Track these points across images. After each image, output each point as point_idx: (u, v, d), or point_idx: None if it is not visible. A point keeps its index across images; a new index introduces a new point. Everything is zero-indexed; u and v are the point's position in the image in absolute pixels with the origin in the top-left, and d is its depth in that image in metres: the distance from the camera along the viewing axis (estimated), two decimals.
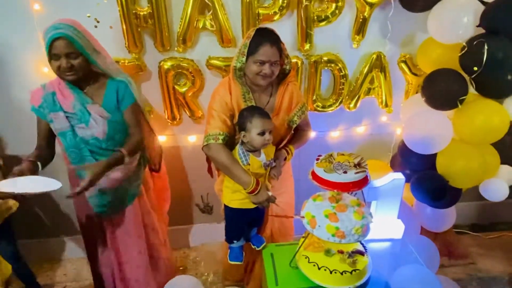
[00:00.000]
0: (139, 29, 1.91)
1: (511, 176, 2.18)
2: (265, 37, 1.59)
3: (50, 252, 2.51)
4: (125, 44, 1.93)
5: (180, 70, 2.02)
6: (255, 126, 1.59)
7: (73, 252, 2.51)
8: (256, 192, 1.60)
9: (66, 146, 1.67)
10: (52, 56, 1.52)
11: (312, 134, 2.01)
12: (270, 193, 1.63)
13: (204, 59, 2.03)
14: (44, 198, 2.34)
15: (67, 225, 2.43)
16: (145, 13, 1.86)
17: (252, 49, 1.59)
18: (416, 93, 2.23)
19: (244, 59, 1.61)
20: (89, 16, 1.89)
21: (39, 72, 1.98)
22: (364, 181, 1.51)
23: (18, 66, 1.98)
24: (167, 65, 1.99)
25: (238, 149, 1.65)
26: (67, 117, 1.62)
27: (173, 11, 1.91)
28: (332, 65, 2.10)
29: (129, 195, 1.81)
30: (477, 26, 1.79)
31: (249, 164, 1.65)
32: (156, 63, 2.01)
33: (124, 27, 1.89)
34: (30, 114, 1.97)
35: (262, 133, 1.59)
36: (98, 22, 1.90)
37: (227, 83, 1.70)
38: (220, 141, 1.64)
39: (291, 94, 1.76)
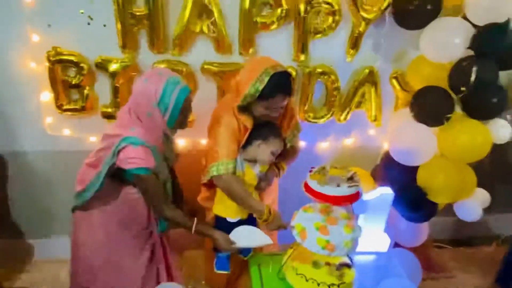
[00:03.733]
0: (134, 29, 1.88)
1: (485, 199, 2.24)
2: (281, 88, 1.55)
3: (24, 253, 2.43)
4: (119, 43, 1.91)
5: None
6: (272, 144, 1.66)
7: (48, 253, 2.43)
8: (268, 220, 1.64)
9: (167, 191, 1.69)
10: (181, 111, 1.52)
11: (301, 144, 2.04)
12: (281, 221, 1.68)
13: (198, 64, 2.01)
14: (25, 197, 2.29)
15: (43, 225, 2.38)
16: (141, 13, 1.84)
17: (264, 95, 1.55)
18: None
19: (251, 99, 1.57)
20: (82, 12, 1.86)
21: (27, 67, 1.94)
22: (356, 196, 1.53)
23: (6, 61, 1.93)
24: (160, 67, 1.97)
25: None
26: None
27: (170, 14, 1.90)
28: (326, 77, 2.12)
29: None
30: (467, 48, 1.85)
31: (243, 173, 1.66)
32: (149, 65, 1.98)
33: (119, 26, 1.86)
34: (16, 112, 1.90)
35: (273, 153, 1.67)
36: (91, 19, 1.87)
37: (231, 108, 1.66)
38: (231, 170, 1.63)
39: (291, 113, 1.80)
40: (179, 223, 1.64)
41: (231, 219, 1.73)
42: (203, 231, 1.66)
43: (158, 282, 1.78)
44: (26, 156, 2.18)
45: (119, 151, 1.49)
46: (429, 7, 1.87)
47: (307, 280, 1.55)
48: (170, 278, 1.85)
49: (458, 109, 2.01)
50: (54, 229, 2.38)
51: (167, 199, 1.67)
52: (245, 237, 1.66)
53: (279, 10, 1.91)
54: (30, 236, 2.42)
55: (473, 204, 2.23)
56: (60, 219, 2.22)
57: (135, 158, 1.47)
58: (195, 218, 1.64)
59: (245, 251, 1.78)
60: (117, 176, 1.58)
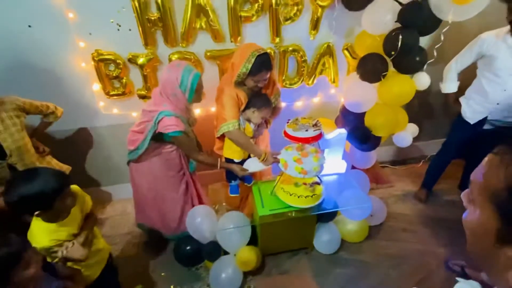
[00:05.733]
0: (152, 30, 1.89)
1: (415, 131, 2.35)
2: (264, 65, 1.59)
3: (101, 197, 2.57)
4: (142, 42, 1.92)
5: None
6: (263, 112, 1.73)
7: (119, 195, 2.59)
8: (265, 159, 1.74)
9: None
10: (196, 90, 1.60)
11: (282, 105, 2.10)
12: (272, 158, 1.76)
13: (202, 52, 2.03)
14: (95, 158, 2.39)
15: (110, 176, 2.50)
16: (155, 17, 1.84)
17: (252, 72, 1.60)
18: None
19: (244, 76, 1.62)
20: (112, 22, 1.85)
21: (79, 67, 1.96)
22: (319, 136, 1.65)
23: (64, 65, 1.94)
24: (174, 57, 1.99)
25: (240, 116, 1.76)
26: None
27: (176, 15, 1.89)
28: (296, 53, 2.14)
29: None
30: (395, 22, 1.85)
31: (244, 128, 1.77)
32: (166, 56, 2.00)
33: (140, 29, 1.86)
34: (77, 101, 1.97)
35: (263, 118, 1.75)
36: (119, 26, 1.87)
37: (230, 83, 1.71)
38: (237, 126, 1.72)
39: (273, 83, 1.85)
40: (209, 163, 1.78)
41: (236, 160, 1.86)
42: (226, 166, 1.80)
43: (193, 206, 1.97)
44: (89, 130, 2.25)
45: (158, 121, 1.60)
46: None
47: (291, 195, 1.72)
48: (201, 203, 2.02)
49: (391, 68, 2.06)
50: (120, 178, 2.49)
51: (198, 149, 1.82)
52: (252, 165, 1.80)
53: (256, 5, 1.89)
54: (104, 184, 2.55)
55: (406, 135, 2.34)
56: (121, 171, 2.33)
57: (171, 125, 1.59)
58: (219, 158, 1.79)
59: (248, 180, 1.93)
60: (157, 138, 1.70)
